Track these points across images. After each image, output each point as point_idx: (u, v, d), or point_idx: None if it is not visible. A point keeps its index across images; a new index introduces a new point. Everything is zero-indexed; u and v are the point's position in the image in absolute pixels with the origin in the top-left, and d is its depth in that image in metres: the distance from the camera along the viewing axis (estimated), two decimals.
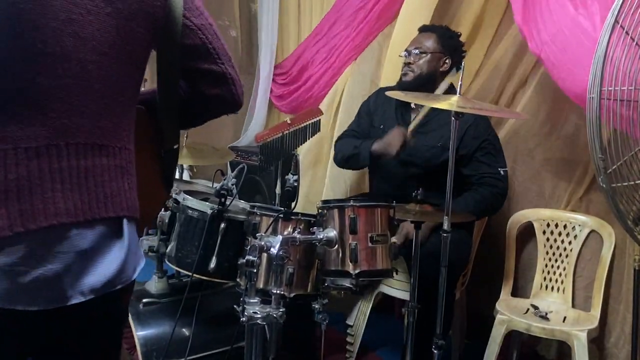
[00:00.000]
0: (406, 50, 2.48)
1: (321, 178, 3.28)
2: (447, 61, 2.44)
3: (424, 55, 2.42)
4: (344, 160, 2.61)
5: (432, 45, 2.42)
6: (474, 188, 2.35)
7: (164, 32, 1.08)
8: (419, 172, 2.39)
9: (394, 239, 2.02)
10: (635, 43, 1.45)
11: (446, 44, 2.44)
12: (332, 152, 2.77)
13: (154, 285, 2.23)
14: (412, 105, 2.50)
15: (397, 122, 2.50)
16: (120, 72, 1.02)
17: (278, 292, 1.62)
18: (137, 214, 1.08)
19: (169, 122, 1.17)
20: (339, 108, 3.22)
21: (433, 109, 2.31)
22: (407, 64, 2.44)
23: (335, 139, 2.85)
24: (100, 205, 0.99)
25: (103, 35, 0.97)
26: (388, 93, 2.13)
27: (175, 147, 1.20)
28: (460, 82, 1.93)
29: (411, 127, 2.33)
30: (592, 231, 2.39)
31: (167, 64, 1.13)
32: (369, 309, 2.48)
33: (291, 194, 1.81)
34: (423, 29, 2.51)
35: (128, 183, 1.05)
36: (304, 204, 3.06)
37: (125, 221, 1.03)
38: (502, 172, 2.33)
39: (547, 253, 2.49)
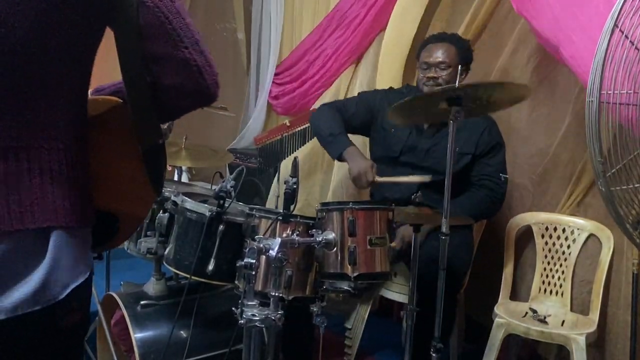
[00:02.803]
0: (425, 62, 2.43)
1: (319, 182, 3.28)
2: (464, 69, 2.42)
3: (448, 68, 2.39)
4: (314, 131, 2.55)
5: (454, 58, 2.40)
6: (471, 190, 2.35)
7: (113, 8, 0.93)
8: (437, 178, 2.39)
9: (393, 244, 2.01)
10: (634, 47, 1.45)
11: (464, 55, 2.44)
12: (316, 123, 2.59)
13: (152, 287, 2.22)
14: None
15: (410, 126, 2.48)
16: (44, 62, 0.88)
17: (276, 294, 1.61)
18: (78, 222, 0.94)
19: (142, 115, 1.01)
20: None
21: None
22: (431, 78, 2.40)
23: None
24: (5, 217, 0.86)
25: (18, 20, 0.84)
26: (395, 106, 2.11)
27: (160, 142, 1.06)
28: (457, 84, 1.94)
29: (381, 179, 2.26)
30: (590, 235, 2.39)
31: (126, 47, 0.96)
32: (368, 312, 2.47)
33: (290, 196, 1.81)
34: (440, 39, 2.46)
35: (62, 189, 0.92)
36: (301, 208, 3.06)
37: (55, 232, 0.91)
38: (502, 178, 2.35)
39: (546, 257, 2.49)
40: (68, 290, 0.93)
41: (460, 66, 2.37)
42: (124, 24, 0.95)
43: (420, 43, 2.56)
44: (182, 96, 1.02)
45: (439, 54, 2.41)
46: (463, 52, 2.43)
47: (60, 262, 0.91)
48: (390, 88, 2.72)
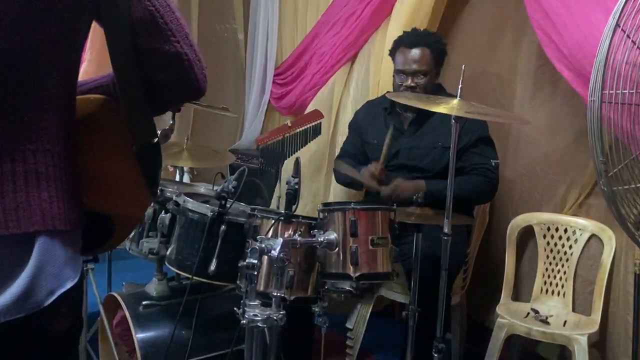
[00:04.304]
0: (401, 71, 2.43)
1: (321, 182, 3.27)
2: (440, 69, 2.47)
3: (425, 76, 2.40)
4: (344, 185, 2.67)
5: (430, 62, 2.41)
6: (467, 175, 2.37)
7: (103, 1, 0.90)
8: (423, 176, 2.39)
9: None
10: (636, 46, 1.45)
11: (438, 56, 2.44)
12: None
13: (154, 287, 2.22)
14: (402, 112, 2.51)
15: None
16: (27, 60, 0.85)
17: (278, 294, 1.61)
18: (65, 225, 0.91)
19: (136, 112, 0.98)
20: (339, 114, 3.21)
21: (424, 111, 2.32)
22: (410, 88, 2.41)
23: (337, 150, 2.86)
24: None
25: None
26: (389, 95, 2.14)
27: (154, 141, 1.02)
28: (460, 85, 1.93)
29: (381, 159, 2.33)
30: (592, 235, 2.39)
31: (117, 42, 0.93)
32: (369, 312, 2.47)
33: (292, 196, 1.81)
34: (414, 43, 2.43)
35: (49, 191, 0.89)
36: (304, 208, 3.06)
37: (41, 237, 0.87)
38: (493, 164, 2.35)
39: (548, 257, 2.48)
40: (54, 297, 0.89)
41: (436, 66, 2.43)
42: (114, 18, 0.92)
43: (393, 42, 2.53)
44: (173, 90, 1.01)
45: (414, 63, 2.41)
46: (437, 53, 2.43)
47: (45, 267, 0.87)
48: (369, 101, 2.76)
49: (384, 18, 2.97)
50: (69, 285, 0.91)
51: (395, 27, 2.83)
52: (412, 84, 2.41)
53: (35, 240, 0.87)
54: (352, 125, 2.71)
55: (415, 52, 2.41)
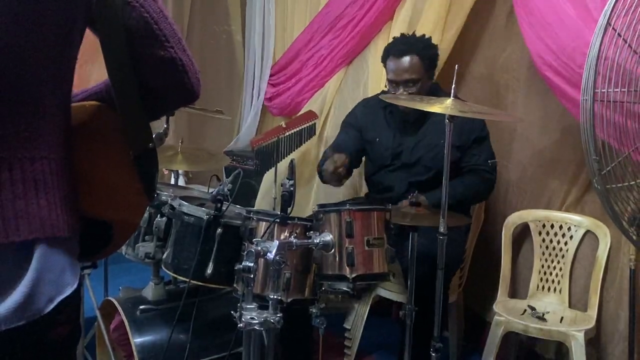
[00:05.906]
0: (393, 82, 2.40)
1: (308, 182, 3.27)
2: (432, 72, 2.44)
3: (416, 83, 2.37)
4: (324, 180, 2.56)
5: (420, 70, 2.36)
6: (462, 176, 2.39)
7: (97, 9, 0.91)
8: (428, 174, 2.39)
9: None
10: (627, 45, 1.45)
11: (429, 62, 2.40)
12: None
13: (151, 291, 2.22)
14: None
15: (392, 130, 2.49)
16: (22, 66, 0.86)
17: (275, 297, 1.61)
18: (64, 232, 0.91)
19: (133, 119, 0.99)
20: (329, 116, 3.21)
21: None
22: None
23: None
24: None
25: None
26: (383, 97, 2.14)
27: (151, 146, 1.03)
28: (453, 85, 1.94)
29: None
30: (587, 231, 2.39)
31: (112, 49, 0.94)
32: (366, 312, 2.48)
33: (287, 198, 1.81)
34: (403, 52, 2.38)
35: (47, 199, 0.89)
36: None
37: (40, 245, 0.88)
38: (490, 164, 2.37)
39: (543, 254, 2.49)
40: (54, 304, 0.89)
41: (427, 71, 2.38)
42: (108, 25, 0.93)
43: (384, 50, 2.49)
44: (168, 96, 1.02)
45: (404, 72, 2.37)
46: (428, 59, 2.39)
47: (45, 275, 0.88)
48: (364, 99, 2.74)
49: (386, 22, 2.97)
50: (68, 292, 0.92)
51: (397, 31, 2.83)
52: (405, 93, 2.38)
53: (35, 248, 0.87)
54: (349, 122, 2.66)
55: (405, 61, 2.37)
